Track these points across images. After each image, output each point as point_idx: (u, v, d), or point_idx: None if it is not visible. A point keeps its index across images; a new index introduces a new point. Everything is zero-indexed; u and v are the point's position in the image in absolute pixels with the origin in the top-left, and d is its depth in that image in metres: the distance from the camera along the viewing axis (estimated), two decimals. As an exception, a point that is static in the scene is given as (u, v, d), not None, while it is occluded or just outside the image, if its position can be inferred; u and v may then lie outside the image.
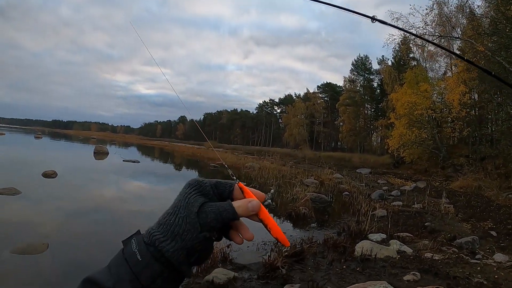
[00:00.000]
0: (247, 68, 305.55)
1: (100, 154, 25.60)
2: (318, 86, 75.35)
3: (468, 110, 25.47)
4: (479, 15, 20.91)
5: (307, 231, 8.02)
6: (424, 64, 34.36)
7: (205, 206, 0.57)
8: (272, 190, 12.61)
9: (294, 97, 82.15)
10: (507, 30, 15.22)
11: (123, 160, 21.97)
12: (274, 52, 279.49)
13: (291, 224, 8.77)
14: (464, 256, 5.87)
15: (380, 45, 71.62)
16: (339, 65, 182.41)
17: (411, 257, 5.61)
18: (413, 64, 35.37)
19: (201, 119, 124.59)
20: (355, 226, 7.64)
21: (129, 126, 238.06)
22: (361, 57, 59.04)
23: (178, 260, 0.54)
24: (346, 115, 56.38)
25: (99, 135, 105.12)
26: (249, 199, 0.61)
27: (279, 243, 0.59)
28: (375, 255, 5.43)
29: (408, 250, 6.08)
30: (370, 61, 58.22)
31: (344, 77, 61.39)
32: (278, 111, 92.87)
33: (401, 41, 27.04)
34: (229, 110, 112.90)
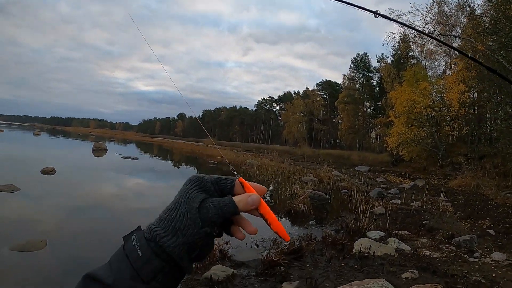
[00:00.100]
0: (246, 65, 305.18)
1: (99, 151, 25.59)
2: (317, 84, 75.33)
3: (467, 108, 25.50)
4: (479, 14, 20.94)
5: (305, 228, 8.04)
6: (424, 63, 34.35)
7: (206, 201, 0.57)
8: (270, 188, 12.60)
9: (293, 95, 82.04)
10: (507, 29, 15.21)
11: (122, 157, 21.93)
12: (273, 50, 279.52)
13: (290, 221, 8.77)
14: (462, 255, 5.89)
15: (380, 43, 72.05)
16: (339, 62, 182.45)
17: (410, 255, 5.62)
18: (412, 62, 35.31)
19: (200, 116, 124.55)
20: (354, 224, 7.65)
21: (128, 123, 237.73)
22: (360, 55, 59.08)
23: (179, 256, 0.54)
24: (345, 112, 56.41)
25: (98, 131, 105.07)
26: (249, 193, 0.61)
27: (279, 238, 0.59)
28: (374, 252, 5.44)
29: (406, 248, 6.09)
30: (369, 59, 58.36)
31: (344, 75, 61.63)
32: (277, 108, 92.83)
33: (400, 39, 26.99)
34: (228, 107, 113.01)
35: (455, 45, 24.47)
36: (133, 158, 22.04)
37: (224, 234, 0.63)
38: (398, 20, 21.23)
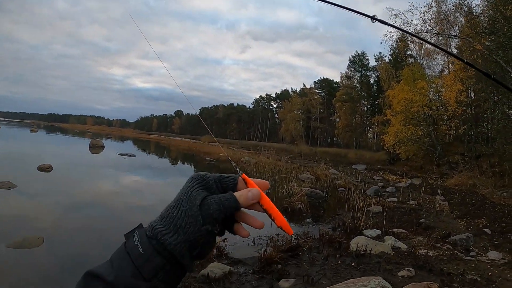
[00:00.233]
0: (244, 63, 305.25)
1: (95, 148, 25.50)
2: (315, 82, 75.47)
3: (464, 108, 25.61)
4: (477, 14, 20.97)
5: (302, 226, 8.05)
6: (421, 62, 34.44)
7: (207, 198, 0.57)
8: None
9: (291, 92, 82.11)
10: (505, 29, 15.25)
11: (119, 154, 21.89)
12: (271, 47, 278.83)
13: (287, 219, 8.70)
14: (458, 253, 5.92)
15: (378, 42, 71.61)
16: (337, 61, 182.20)
17: (406, 253, 5.65)
18: (410, 61, 35.38)
19: (197, 113, 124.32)
20: (350, 222, 7.67)
21: (125, 119, 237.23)
22: (358, 54, 59.19)
23: (180, 253, 0.54)
24: (342, 111, 56.47)
25: (95, 128, 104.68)
26: (249, 188, 0.61)
27: (283, 232, 0.59)
28: (370, 250, 5.45)
29: (403, 246, 6.11)
30: (367, 57, 58.50)
31: (341, 73, 61.68)
32: (275, 106, 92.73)
33: (398, 38, 27.03)
34: (226, 105, 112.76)
35: (453, 44, 24.56)
36: (130, 155, 21.97)
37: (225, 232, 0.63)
38: (396, 19, 21.19)
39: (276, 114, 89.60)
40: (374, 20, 1.47)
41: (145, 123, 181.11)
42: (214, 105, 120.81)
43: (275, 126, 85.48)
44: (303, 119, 68.46)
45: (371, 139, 56.52)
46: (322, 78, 74.25)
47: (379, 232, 7.15)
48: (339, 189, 13.76)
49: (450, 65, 29.52)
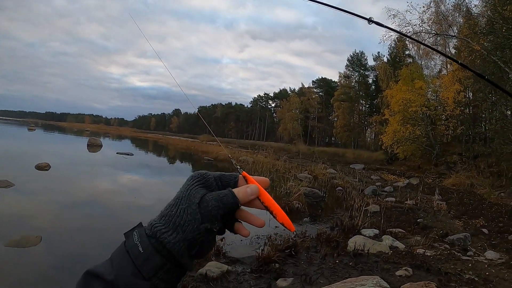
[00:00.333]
0: (242, 62, 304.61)
1: (93, 147, 25.48)
2: (313, 81, 75.44)
3: (462, 108, 25.64)
4: (475, 14, 20.96)
5: (300, 225, 8.04)
6: (420, 62, 34.43)
7: (206, 195, 0.57)
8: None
9: (289, 92, 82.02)
10: (503, 30, 15.27)
11: (117, 153, 21.87)
12: (270, 46, 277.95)
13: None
14: (455, 253, 5.93)
15: (376, 42, 71.82)
16: (335, 60, 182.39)
17: (404, 252, 5.66)
18: (408, 61, 35.40)
19: (195, 112, 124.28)
20: (348, 221, 7.68)
21: (123, 118, 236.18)
22: (356, 53, 59.22)
23: (179, 252, 0.53)
24: (340, 110, 56.53)
25: (93, 127, 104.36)
26: (248, 184, 0.61)
27: (285, 229, 0.58)
28: (368, 250, 5.47)
29: (400, 245, 6.13)
30: (365, 57, 58.55)
31: (340, 73, 61.61)
32: (273, 105, 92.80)
33: (397, 38, 27.05)
34: (224, 104, 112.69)
35: (451, 44, 24.59)
36: (128, 154, 21.95)
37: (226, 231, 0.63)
38: (394, 19, 21.20)
39: (274, 114, 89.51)
40: (371, 22, 1.47)
41: (143, 122, 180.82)
42: (212, 104, 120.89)
43: (273, 126, 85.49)
44: (301, 119, 68.44)
45: (369, 139, 56.67)
46: (320, 77, 74.34)
47: (377, 231, 7.17)
48: (337, 189, 13.76)
49: (448, 65, 29.53)
